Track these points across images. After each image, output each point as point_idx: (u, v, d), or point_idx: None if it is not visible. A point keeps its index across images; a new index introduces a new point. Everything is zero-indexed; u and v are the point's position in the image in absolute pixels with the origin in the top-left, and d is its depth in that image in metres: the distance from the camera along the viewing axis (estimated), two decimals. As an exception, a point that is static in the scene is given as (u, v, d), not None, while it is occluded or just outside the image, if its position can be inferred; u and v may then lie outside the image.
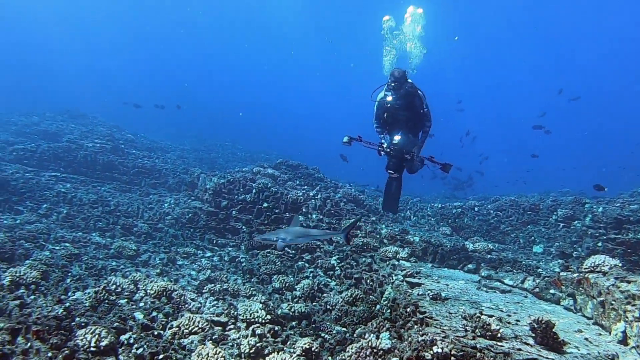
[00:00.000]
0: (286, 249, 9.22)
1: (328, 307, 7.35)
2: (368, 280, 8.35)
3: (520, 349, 4.24)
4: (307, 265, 9.14)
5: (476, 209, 13.73)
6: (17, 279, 5.71)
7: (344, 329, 6.39)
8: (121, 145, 15.15)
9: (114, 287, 6.10)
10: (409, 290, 6.90)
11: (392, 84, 7.83)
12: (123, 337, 4.96)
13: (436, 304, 5.89)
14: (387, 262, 8.94)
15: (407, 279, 7.51)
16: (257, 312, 6.04)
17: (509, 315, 5.62)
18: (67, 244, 7.84)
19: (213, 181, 11.34)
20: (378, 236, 10.40)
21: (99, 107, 27.49)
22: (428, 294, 6.23)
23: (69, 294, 5.96)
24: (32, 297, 5.52)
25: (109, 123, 19.04)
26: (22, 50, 63.49)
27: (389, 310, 6.72)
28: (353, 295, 7.54)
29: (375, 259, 9.20)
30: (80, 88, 52.06)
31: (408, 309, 5.83)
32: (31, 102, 27.72)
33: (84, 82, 58.82)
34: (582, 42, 56.82)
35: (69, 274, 6.64)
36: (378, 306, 7.17)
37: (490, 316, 5.19)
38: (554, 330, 4.45)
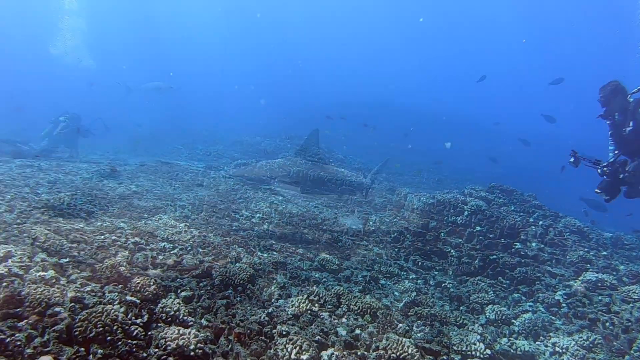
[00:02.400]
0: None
1: (557, 349, 6.08)
2: (607, 324, 6.78)
3: None
4: (523, 298, 7.90)
5: None
6: (227, 278, 5.76)
7: (581, 380, 5.10)
8: (331, 164, 15.60)
9: (317, 298, 5.83)
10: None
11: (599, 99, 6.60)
12: (324, 354, 4.55)
13: None
14: (632, 304, 7.21)
15: (671, 329, 5.81)
16: (475, 344, 5.12)
17: None
18: (274, 252, 7.94)
19: (422, 201, 10.69)
20: (614, 273, 8.61)
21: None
22: None
23: (273, 300, 5.83)
24: (238, 298, 5.47)
25: (321, 144, 19.94)
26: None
27: (644, 365, 5.25)
28: (590, 340, 6.12)
29: (614, 299, 7.50)
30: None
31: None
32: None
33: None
34: None
35: (274, 280, 6.60)
36: (627, 357, 5.68)
37: None
38: None
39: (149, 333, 4.02)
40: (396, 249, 9.44)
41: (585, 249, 9.63)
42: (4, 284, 4.20)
